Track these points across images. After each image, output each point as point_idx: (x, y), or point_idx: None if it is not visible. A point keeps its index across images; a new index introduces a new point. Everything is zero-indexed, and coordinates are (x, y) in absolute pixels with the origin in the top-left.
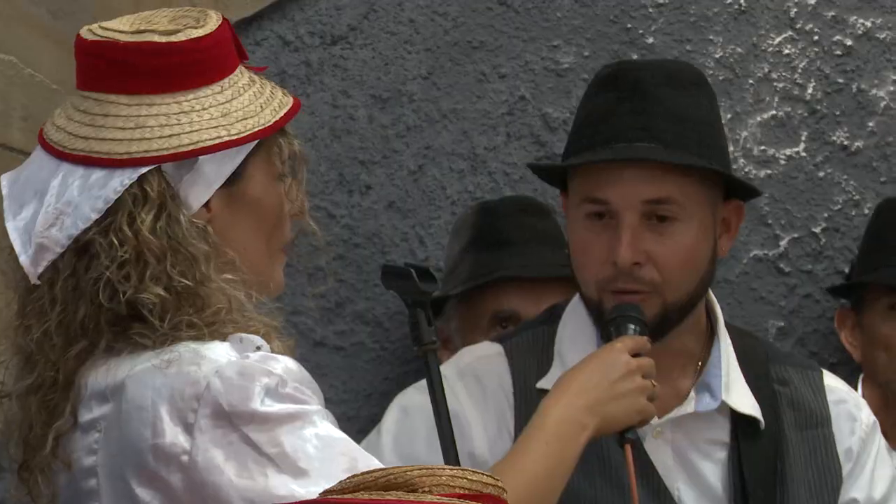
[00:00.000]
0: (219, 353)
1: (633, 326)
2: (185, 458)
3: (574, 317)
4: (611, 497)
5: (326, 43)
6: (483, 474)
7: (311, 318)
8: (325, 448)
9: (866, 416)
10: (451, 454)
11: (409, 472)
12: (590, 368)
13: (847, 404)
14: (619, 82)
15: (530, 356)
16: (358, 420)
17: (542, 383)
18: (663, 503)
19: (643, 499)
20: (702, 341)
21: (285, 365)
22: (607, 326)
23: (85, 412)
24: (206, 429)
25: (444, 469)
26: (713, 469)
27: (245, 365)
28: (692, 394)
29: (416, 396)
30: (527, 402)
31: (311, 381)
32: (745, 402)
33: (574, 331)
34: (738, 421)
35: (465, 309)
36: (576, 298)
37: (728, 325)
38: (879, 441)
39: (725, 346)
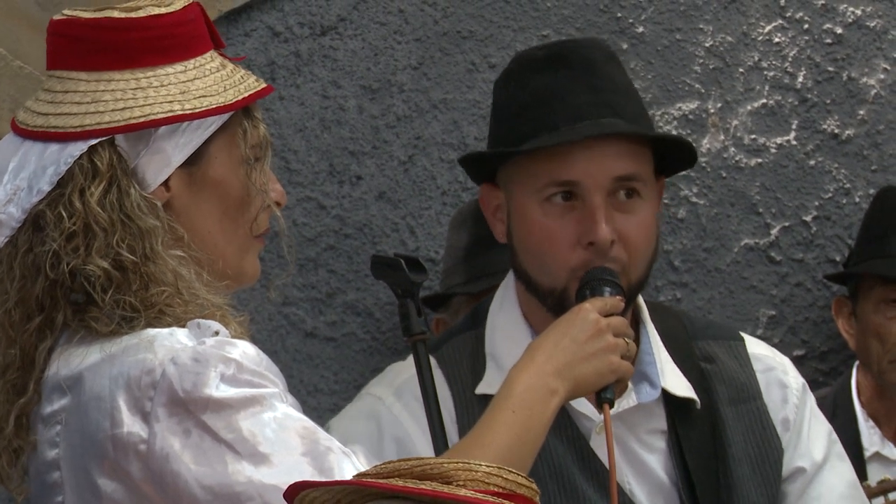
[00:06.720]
0: (174, 339)
1: (608, 289)
2: (142, 447)
3: (502, 316)
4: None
5: (316, 33)
6: (519, 475)
7: (301, 309)
8: (282, 431)
9: (794, 380)
10: (440, 442)
11: (445, 464)
12: (557, 331)
13: (775, 371)
14: (569, 61)
15: (462, 363)
16: None
17: (481, 388)
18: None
19: (596, 499)
20: (633, 325)
21: (242, 350)
22: (582, 290)
23: (46, 405)
24: (162, 417)
25: (480, 465)
26: (656, 459)
27: (200, 351)
28: (629, 385)
29: (350, 425)
30: (467, 409)
31: (271, 364)
32: (679, 384)
33: (505, 330)
34: (673, 406)
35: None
36: (497, 299)
37: (646, 303)
38: (810, 401)
39: (651, 330)
